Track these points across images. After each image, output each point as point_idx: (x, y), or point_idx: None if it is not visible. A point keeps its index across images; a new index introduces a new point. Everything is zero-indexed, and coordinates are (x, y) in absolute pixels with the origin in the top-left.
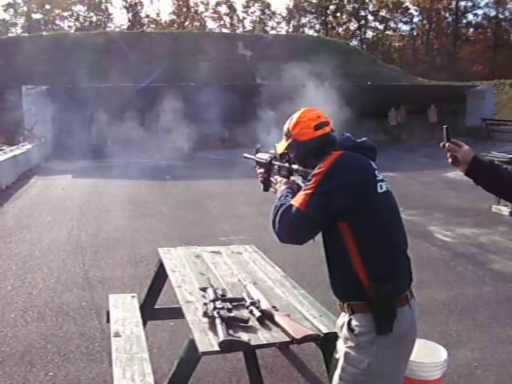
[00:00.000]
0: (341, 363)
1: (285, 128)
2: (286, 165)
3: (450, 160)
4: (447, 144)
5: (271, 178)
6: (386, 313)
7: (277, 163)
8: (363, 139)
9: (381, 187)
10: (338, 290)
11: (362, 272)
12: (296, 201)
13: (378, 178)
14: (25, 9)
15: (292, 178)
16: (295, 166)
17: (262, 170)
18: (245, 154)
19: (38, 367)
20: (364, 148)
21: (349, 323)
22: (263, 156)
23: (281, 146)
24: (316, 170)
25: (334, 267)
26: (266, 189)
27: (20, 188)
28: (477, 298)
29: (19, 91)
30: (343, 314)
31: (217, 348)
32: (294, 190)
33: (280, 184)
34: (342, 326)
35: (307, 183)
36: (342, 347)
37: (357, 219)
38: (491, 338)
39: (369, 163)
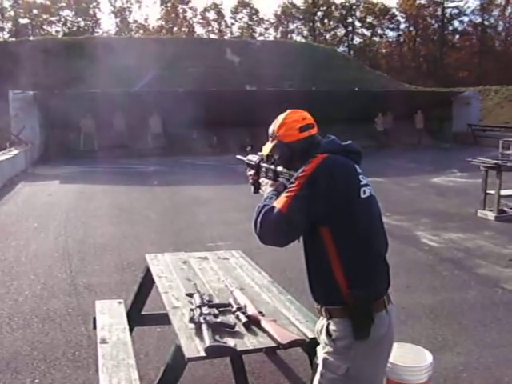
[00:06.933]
0: (319, 369)
1: (270, 130)
2: (272, 167)
3: None
4: None
5: (260, 180)
6: (364, 318)
7: (264, 165)
8: (348, 142)
9: (364, 192)
10: (317, 293)
11: (341, 277)
12: (278, 203)
13: (361, 183)
14: (12, 13)
15: (279, 179)
16: (280, 169)
17: (251, 172)
18: (237, 156)
19: (23, 374)
20: (349, 151)
21: (327, 328)
22: (253, 158)
23: (266, 148)
24: (299, 173)
25: (313, 271)
26: (257, 191)
27: (6, 194)
28: (463, 303)
29: (6, 96)
30: (321, 318)
31: (203, 354)
32: (280, 192)
33: (266, 186)
34: (320, 331)
35: (290, 185)
36: (320, 352)
37: (338, 224)
38: (477, 341)
39: (353, 167)
